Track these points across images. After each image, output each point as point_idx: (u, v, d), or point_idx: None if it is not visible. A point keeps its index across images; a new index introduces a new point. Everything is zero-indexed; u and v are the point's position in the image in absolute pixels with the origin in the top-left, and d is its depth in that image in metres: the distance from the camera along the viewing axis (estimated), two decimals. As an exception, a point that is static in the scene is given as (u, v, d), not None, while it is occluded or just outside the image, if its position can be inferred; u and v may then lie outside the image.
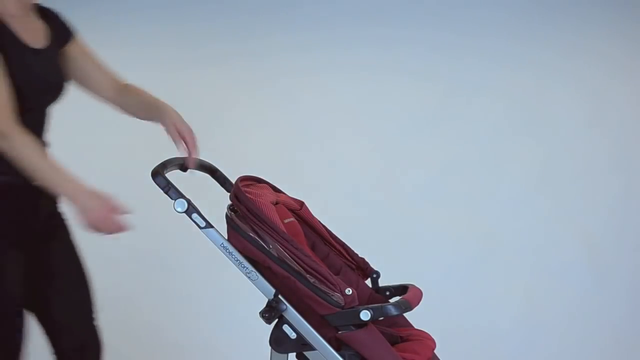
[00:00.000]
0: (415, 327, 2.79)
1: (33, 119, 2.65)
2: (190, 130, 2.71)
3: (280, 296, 2.50)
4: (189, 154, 2.71)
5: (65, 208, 2.72)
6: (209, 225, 2.54)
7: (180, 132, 2.70)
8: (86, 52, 2.85)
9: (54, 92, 2.72)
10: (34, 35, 2.69)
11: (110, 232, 2.51)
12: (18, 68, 2.57)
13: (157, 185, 2.55)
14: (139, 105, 2.83)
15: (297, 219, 2.77)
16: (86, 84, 2.86)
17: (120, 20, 4.58)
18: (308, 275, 2.48)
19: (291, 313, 2.50)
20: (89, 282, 2.79)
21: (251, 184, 2.69)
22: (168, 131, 2.72)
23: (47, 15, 2.79)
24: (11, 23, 2.61)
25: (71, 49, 2.81)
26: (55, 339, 2.73)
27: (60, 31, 2.80)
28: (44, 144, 2.70)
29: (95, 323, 2.78)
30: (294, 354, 2.56)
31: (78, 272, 2.78)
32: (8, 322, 2.59)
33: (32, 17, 2.73)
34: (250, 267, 2.52)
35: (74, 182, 2.50)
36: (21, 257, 2.61)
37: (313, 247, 2.78)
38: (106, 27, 4.50)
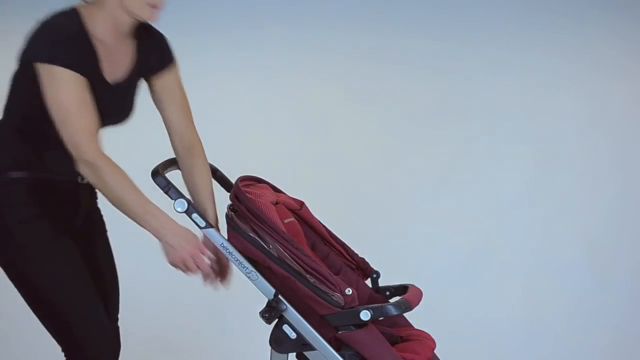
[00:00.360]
0: (415, 327, 2.79)
1: None
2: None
3: (280, 296, 2.50)
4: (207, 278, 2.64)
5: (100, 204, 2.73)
6: (209, 225, 2.54)
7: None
8: (173, 88, 2.70)
9: (113, 122, 2.67)
10: (117, 65, 2.58)
11: (193, 272, 2.50)
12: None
13: (157, 185, 2.55)
14: (187, 181, 2.72)
15: (297, 219, 2.76)
16: (161, 114, 2.73)
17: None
18: (308, 275, 2.48)
19: (291, 313, 2.50)
20: (118, 280, 2.80)
21: (251, 184, 2.69)
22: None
23: (148, 36, 2.66)
24: (99, 49, 2.53)
25: (158, 82, 2.68)
26: None
27: (152, 59, 2.66)
28: None
29: (117, 323, 2.78)
30: (294, 354, 2.56)
31: (113, 269, 2.78)
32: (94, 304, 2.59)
33: (126, 41, 2.63)
34: (250, 267, 2.52)
35: (162, 218, 2.46)
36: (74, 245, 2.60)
37: (313, 247, 2.78)
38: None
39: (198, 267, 2.50)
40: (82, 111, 2.44)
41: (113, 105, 2.61)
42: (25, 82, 2.51)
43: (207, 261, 2.52)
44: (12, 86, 2.58)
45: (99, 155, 2.45)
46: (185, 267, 2.50)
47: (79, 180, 2.62)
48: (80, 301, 2.57)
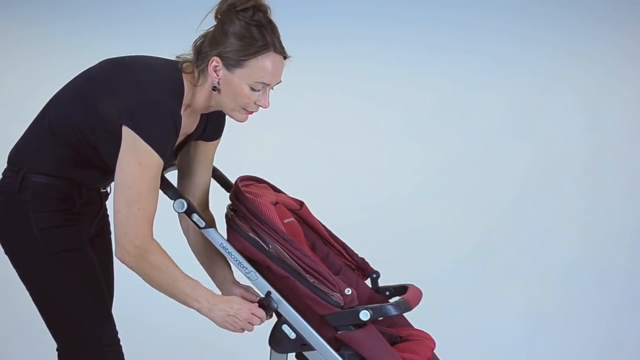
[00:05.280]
0: (415, 327, 2.79)
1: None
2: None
3: (272, 294, 2.50)
4: None
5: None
6: (208, 225, 2.54)
7: None
8: (211, 157, 2.70)
9: None
10: (186, 129, 2.55)
11: (251, 329, 2.49)
12: None
13: (157, 185, 2.55)
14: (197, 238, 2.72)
15: (297, 219, 2.76)
16: (183, 169, 2.71)
17: (116, 18, 4.58)
18: (307, 275, 2.48)
19: (284, 308, 2.50)
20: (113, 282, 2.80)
21: (251, 184, 2.69)
22: None
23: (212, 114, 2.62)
24: (185, 118, 2.48)
25: (201, 147, 2.66)
26: None
27: (209, 128, 2.63)
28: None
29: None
30: (294, 354, 2.56)
31: (110, 271, 2.77)
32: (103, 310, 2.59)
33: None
34: (250, 267, 2.52)
35: (209, 297, 2.45)
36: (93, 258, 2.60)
37: (313, 247, 2.77)
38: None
39: (261, 318, 2.49)
40: (152, 197, 2.39)
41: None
42: (100, 130, 2.43)
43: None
44: (77, 112, 2.47)
45: (150, 242, 2.40)
46: (252, 326, 2.48)
47: (101, 189, 2.63)
48: (94, 311, 2.57)
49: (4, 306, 4.45)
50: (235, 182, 2.63)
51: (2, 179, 2.57)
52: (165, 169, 2.53)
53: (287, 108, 4.58)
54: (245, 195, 2.55)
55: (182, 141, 2.59)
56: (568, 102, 4.57)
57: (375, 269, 2.81)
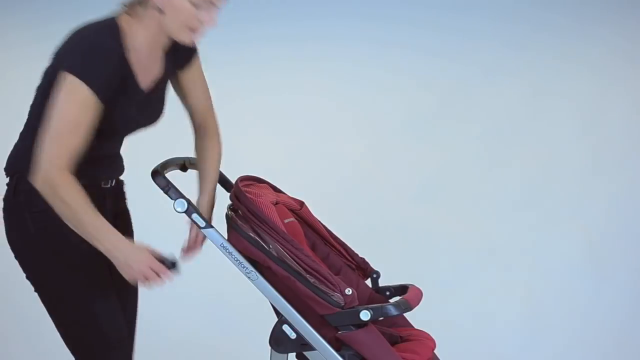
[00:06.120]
0: (415, 327, 2.79)
1: (113, 143, 2.63)
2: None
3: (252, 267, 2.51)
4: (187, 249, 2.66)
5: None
6: (208, 225, 2.54)
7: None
8: (197, 77, 2.71)
9: (145, 127, 2.65)
10: (150, 71, 2.56)
11: (154, 282, 2.48)
12: (121, 114, 2.51)
13: (157, 185, 2.56)
14: (198, 160, 2.74)
15: (297, 219, 2.77)
16: (182, 100, 2.74)
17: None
18: (308, 275, 2.48)
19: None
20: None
21: (251, 184, 2.69)
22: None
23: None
24: (134, 62, 2.50)
25: (184, 76, 2.68)
26: None
27: (179, 57, 2.65)
28: (116, 156, 2.68)
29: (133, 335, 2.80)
30: (294, 354, 2.56)
31: None
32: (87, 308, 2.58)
33: (160, 49, 2.58)
34: (250, 267, 2.52)
35: (114, 238, 2.44)
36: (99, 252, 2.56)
37: (313, 247, 2.78)
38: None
39: (159, 275, 2.47)
40: (76, 133, 2.40)
41: (147, 110, 2.60)
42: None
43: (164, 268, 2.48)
44: (43, 94, 2.51)
45: (64, 177, 2.39)
46: (146, 280, 2.47)
47: (102, 184, 2.62)
48: (94, 308, 2.56)
49: (4, 306, 4.45)
50: (236, 182, 2.63)
51: (5, 192, 2.60)
52: (144, 125, 2.58)
53: (287, 108, 4.61)
54: (246, 195, 2.55)
55: (162, 86, 2.60)
56: (567, 104, 4.57)
57: (376, 269, 2.81)
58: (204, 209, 2.63)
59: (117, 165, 2.71)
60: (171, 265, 2.49)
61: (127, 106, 2.51)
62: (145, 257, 2.46)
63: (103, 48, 2.42)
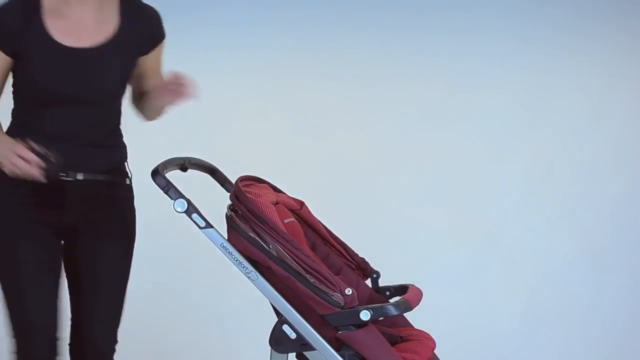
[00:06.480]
0: (415, 327, 2.79)
1: (62, 115, 2.59)
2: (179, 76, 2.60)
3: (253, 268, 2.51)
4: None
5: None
6: (208, 225, 2.54)
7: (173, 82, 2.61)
8: (157, 63, 2.71)
9: (80, 94, 2.58)
10: (79, 28, 2.54)
11: (27, 171, 2.44)
12: (39, 67, 2.51)
13: (157, 185, 2.55)
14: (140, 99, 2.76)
15: (297, 219, 2.77)
16: (134, 80, 2.72)
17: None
18: (308, 275, 2.48)
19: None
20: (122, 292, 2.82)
21: (251, 184, 2.69)
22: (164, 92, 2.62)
23: (137, 9, 2.64)
24: (47, 9, 2.51)
25: (147, 59, 2.68)
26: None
27: (144, 36, 2.64)
28: (82, 139, 2.62)
29: (98, 335, 2.77)
30: (294, 354, 2.56)
31: (115, 279, 2.77)
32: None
33: (95, 6, 2.55)
34: (250, 267, 2.52)
35: None
36: (51, 242, 2.61)
37: (313, 247, 2.78)
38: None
39: (28, 161, 2.44)
40: None
41: (72, 72, 2.56)
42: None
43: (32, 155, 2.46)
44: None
45: None
46: (18, 169, 2.45)
47: (61, 175, 2.56)
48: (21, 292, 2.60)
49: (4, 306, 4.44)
50: (236, 182, 2.63)
51: None
52: (82, 90, 2.54)
53: (287, 108, 4.60)
54: (246, 195, 2.55)
55: (109, 49, 2.58)
56: (570, 102, 4.57)
57: (376, 269, 2.81)
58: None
59: (86, 155, 2.64)
60: (50, 160, 2.46)
61: (45, 58, 2.51)
62: (13, 146, 2.45)
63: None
